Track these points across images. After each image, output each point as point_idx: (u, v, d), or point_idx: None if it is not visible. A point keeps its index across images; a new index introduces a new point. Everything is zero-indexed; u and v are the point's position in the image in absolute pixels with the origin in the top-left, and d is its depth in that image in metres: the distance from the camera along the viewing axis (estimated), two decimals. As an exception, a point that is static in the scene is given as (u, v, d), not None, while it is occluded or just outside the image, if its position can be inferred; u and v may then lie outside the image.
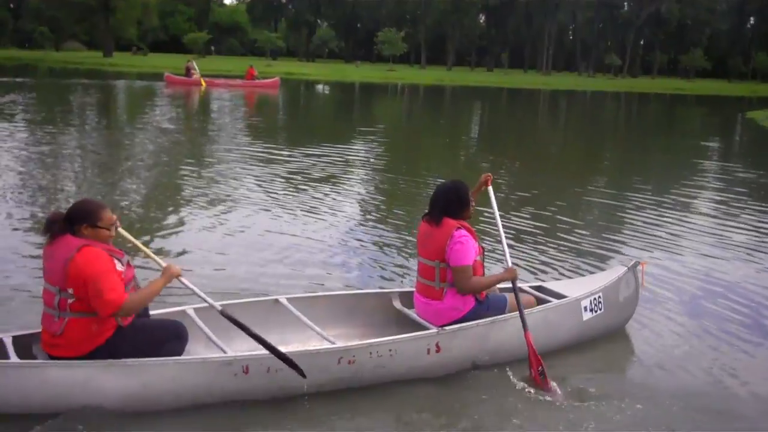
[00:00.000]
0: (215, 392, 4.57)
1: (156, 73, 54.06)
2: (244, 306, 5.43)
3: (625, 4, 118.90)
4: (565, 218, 11.01)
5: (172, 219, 10.00)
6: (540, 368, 5.13)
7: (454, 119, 33.22)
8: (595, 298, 5.93)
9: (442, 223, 5.37)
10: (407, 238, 9.30)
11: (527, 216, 11.00)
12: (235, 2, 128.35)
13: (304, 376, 4.58)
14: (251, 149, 17.60)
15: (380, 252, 8.68)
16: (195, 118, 27.16)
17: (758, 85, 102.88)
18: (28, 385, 4.26)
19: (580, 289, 6.02)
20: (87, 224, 4.49)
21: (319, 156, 16.60)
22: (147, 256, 4.93)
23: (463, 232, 5.35)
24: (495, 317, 5.38)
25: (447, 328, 5.23)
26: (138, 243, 4.86)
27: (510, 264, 5.69)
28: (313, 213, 10.60)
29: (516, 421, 4.74)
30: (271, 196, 11.70)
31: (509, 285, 5.57)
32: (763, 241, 10.07)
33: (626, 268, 6.33)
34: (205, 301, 4.78)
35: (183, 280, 4.72)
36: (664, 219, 11.30)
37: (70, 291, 4.35)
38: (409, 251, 8.55)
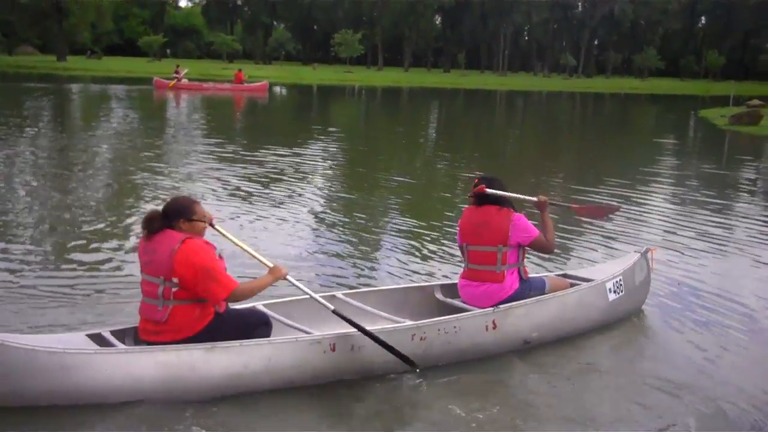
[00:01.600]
0: (306, 371, 4.88)
1: (109, 77, 53.62)
2: (303, 303, 5.63)
3: (579, 4, 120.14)
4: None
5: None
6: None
7: (411, 121, 33.25)
8: (616, 281, 6.43)
9: (495, 212, 5.86)
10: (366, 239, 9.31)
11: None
12: (190, 5, 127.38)
13: (416, 368, 5.02)
14: (215, 150, 17.49)
15: (340, 254, 8.68)
16: (154, 123, 26.90)
17: (710, 83, 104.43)
18: (138, 369, 4.54)
19: (602, 274, 6.54)
20: (183, 219, 4.87)
21: (273, 159, 16.55)
22: (251, 255, 5.18)
23: (518, 215, 5.89)
24: (540, 297, 5.89)
25: (501, 306, 5.68)
26: (239, 242, 5.15)
27: (534, 198, 6.16)
28: (272, 218, 10.57)
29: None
30: (222, 202, 11.64)
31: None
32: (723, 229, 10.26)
33: (639, 254, 6.86)
34: (317, 300, 5.17)
35: (290, 278, 5.08)
36: (631, 213, 11.40)
37: (175, 280, 4.68)
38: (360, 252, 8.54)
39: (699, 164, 20.23)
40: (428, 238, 9.48)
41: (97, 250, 8.35)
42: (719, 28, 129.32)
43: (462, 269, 6.17)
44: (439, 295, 6.35)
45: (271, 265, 5.07)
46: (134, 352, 4.64)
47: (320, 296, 5.40)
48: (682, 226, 10.96)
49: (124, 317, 5.70)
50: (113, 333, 4.95)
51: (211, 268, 4.70)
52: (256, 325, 5.01)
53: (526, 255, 6.17)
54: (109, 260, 7.92)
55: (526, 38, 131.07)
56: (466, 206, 6.18)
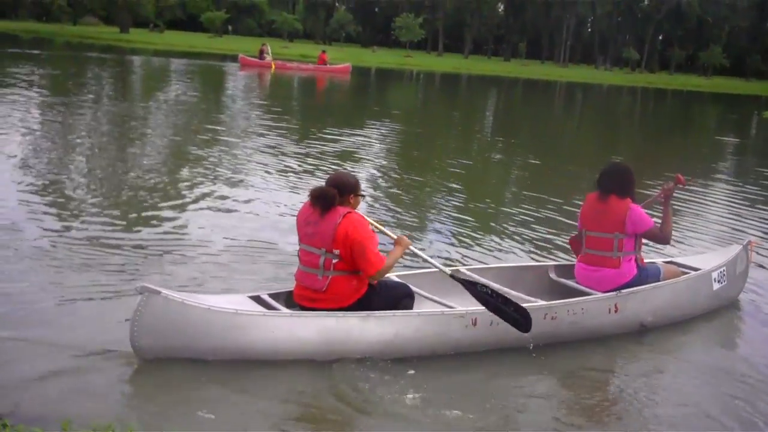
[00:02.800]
0: (449, 342, 5.36)
1: (170, 51, 54.16)
2: (423, 276, 6.12)
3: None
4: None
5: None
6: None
7: (468, 109, 33.15)
8: (721, 271, 6.85)
9: (615, 201, 6.28)
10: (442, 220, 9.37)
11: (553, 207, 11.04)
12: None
13: (526, 330, 5.30)
14: (283, 126, 17.62)
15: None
16: (233, 98, 27.16)
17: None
18: (301, 332, 5.02)
19: (708, 264, 6.95)
20: (354, 194, 5.31)
21: (331, 142, 16.61)
22: (378, 229, 5.53)
23: (635, 205, 6.30)
24: (656, 283, 6.31)
25: (624, 291, 6.09)
26: (369, 220, 5.45)
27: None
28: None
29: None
30: (269, 181, 11.74)
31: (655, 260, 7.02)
32: None
33: (741, 246, 7.33)
34: (436, 266, 5.63)
35: (413, 248, 5.54)
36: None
37: (336, 252, 5.08)
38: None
39: (761, 165, 19.87)
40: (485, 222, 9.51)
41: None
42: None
43: (581, 254, 6.54)
44: (553, 275, 6.81)
45: (395, 237, 5.55)
46: (298, 317, 5.08)
47: (442, 266, 5.93)
48: (748, 223, 11.16)
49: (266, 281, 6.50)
50: (270, 296, 5.41)
51: (367, 244, 5.10)
52: (402, 297, 5.43)
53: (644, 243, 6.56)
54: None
55: (589, 30, 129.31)
56: (590, 193, 6.56)
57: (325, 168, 12.82)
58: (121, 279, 6.36)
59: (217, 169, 12.09)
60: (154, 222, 8.58)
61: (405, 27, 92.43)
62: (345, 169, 12.92)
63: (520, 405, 4.95)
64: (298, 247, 5.38)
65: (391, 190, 11.95)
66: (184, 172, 11.69)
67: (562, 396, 5.21)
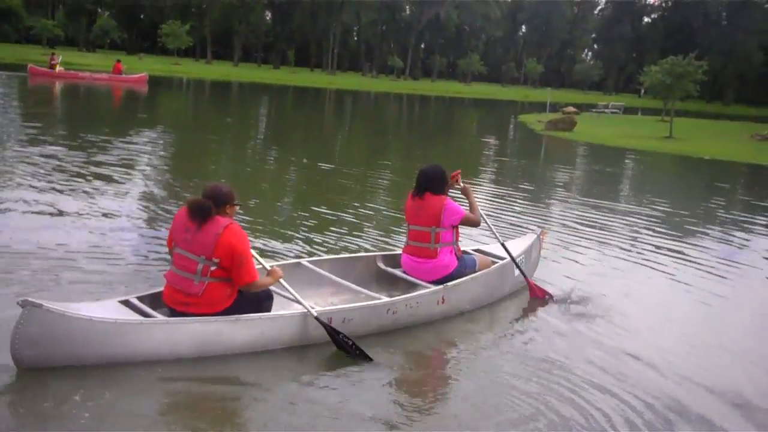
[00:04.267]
0: (307, 338, 5.86)
1: None
2: (295, 274, 6.68)
3: (407, 7, 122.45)
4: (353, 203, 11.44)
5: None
6: (547, 295, 7.49)
7: (241, 116, 33.11)
8: (521, 258, 7.73)
9: (431, 198, 6.98)
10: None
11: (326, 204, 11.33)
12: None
13: (370, 360, 5.74)
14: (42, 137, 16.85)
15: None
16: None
17: (529, 90, 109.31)
18: (176, 336, 5.31)
19: (512, 249, 7.74)
20: (230, 204, 5.56)
21: (100, 152, 16.16)
22: (256, 258, 5.87)
23: (450, 200, 7.00)
24: (474, 275, 7.08)
25: (449, 284, 6.80)
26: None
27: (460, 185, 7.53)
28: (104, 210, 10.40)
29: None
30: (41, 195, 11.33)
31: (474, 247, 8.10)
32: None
33: (535, 235, 8.36)
34: (305, 306, 5.87)
35: (283, 281, 5.93)
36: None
37: (215, 260, 5.35)
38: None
39: (519, 164, 21.30)
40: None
41: None
42: (538, 38, 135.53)
43: (404, 245, 7.30)
44: (381, 265, 7.49)
45: (269, 267, 5.92)
46: (174, 323, 5.38)
47: (286, 262, 7.00)
48: (528, 215, 11.86)
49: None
50: (139, 299, 5.67)
51: (248, 255, 5.47)
52: (264, 299, 5.81)
53: (460, 234, 7.31)
54: None
55: (356, 38, 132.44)
56: (411, 191, 7.20)
57: (116, 176, 12.50)
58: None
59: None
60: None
61: (172, 34, 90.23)
62: (120, 176, 12.65)
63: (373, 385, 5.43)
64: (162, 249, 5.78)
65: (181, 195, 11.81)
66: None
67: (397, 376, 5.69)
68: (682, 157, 27.19)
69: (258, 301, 5.75)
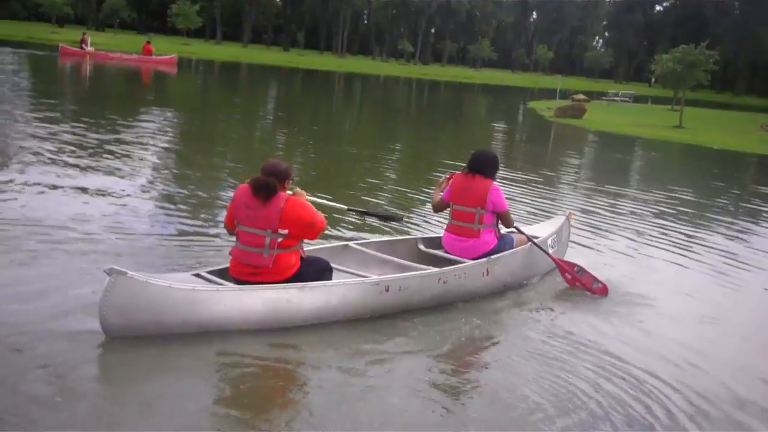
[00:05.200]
0: (368, 306, 6.11)
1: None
2: (320, 251, 6.86)
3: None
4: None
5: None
6: (576, 268, 7.53)
7: (249, 99, 33.14)
8: (553, 238, 8.06)
9: (480, 180, 7.21)
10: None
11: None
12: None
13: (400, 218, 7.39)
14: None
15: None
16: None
17: (539, 76, 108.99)
18: (249, 303, 5.59)
19: (542, 232, 8.07)
20: (288, 179, 5.88)
21: (111, 131, 16.23)
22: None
23: (497, 187, 7.26)
24: (513, 249, 7.36)
25: (493, 257, 7.08)
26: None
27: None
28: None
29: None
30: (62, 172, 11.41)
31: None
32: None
33: (564, 217, 8.67)
34: (335, 207, 6.80)
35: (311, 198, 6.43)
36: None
37: (282, 232, 5.68)
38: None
39: (530, 149, 21.32)
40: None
41: None
42: (549, 24, 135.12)
43: (447, 224, 7.50)
44: (421, 247, 7.70)
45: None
46: (246, 290, 5.64)
47: (333, 244, 7.32)
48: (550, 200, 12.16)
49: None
50: (209, 273, 5.95)
51: (312, 216, 5.81)
52: (324, 270, 6.08)
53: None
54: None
55: (366, 21, 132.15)
56: (458, 172, 7.46)
57: (144, 155, 12.58)
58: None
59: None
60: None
61: (182, 14, 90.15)
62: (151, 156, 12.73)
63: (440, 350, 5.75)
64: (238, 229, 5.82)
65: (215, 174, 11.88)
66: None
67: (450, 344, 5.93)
68: (691, 147, 27.15)
69: (319, 271, 6.03)
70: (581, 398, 5.04)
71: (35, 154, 11.97)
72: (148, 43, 49.22)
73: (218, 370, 5.09)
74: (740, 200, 15.12)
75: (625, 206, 12.79)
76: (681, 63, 33.95)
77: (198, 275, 5.89)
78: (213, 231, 8.38)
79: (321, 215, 5.91)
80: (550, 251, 7.80)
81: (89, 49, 44.35)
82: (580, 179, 16.25)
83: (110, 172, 11.23)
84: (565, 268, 7.58)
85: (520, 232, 7.64)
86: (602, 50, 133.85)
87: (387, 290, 6.17)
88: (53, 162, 11.50)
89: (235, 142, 17.47)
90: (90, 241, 7.44)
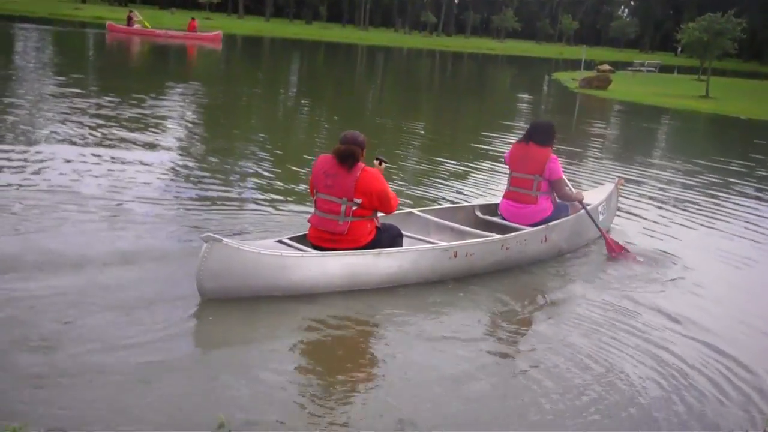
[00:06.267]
0: (436, 271, 6.47)
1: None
2: (386, 217, 6.91)
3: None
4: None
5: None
6: (623, 251, 7.67)
7: (273, 73, 33.08)
8: (603, 205, 8.34)
9: (537, 148, 7.50)
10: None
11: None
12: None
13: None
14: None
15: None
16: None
17: (563, 47, 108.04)
18: (331, 268, 5.95)
19: (592, 199, 8.33)
20: (364, 149, 6.10)
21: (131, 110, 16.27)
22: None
23: (555, 156, 7.55)
24: (568, 217, 7.65)
25: (550, 224, 7.40)
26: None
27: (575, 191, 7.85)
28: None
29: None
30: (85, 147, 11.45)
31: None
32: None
33: (613, 184, 8.95)
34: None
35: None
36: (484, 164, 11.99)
37: (357, 201, 5.98)
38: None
39: (556, 120, 21.14)
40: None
41: None
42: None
43: (505, 191, 7.84)
44: (479, 213, 8.12)
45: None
46: (329, 256, 5.99)
47: (399, 212, 7.38)
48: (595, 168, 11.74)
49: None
50: (291, 239, 6.35)
51: (385, 190, 6.08)
52: (396, 236, 6.43)
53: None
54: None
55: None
56: (516, 140, 7.83)
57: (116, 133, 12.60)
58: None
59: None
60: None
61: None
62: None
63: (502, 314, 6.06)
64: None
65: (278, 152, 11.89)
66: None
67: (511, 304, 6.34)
68: (718, 117, 26.83)
69: (392, 237, 6.39)
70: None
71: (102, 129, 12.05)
72: (194, 19, 50.24)
73: (304, 328, 5.38)
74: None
75: (665, 176, 12.89)
76: (707, 32, 33.52)
77: (280, 241, 6.32)
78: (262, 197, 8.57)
79: (395, 196, 6.22)
80: (600, 218, 8.11)
81: (136, 26, 45.37)
82: (605, 150, 16.13)
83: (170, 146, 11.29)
84: (610, 241, 7.76)
85: (580, 203, 7.85)
86: (628, 20, 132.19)
87: (455, 255, 6.51)
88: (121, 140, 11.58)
89: (266, 117, 17.45)
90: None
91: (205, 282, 5.53)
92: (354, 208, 6.00)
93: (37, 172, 9.14)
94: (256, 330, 5.32)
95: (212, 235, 5.49)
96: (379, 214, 6.37)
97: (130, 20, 45.89)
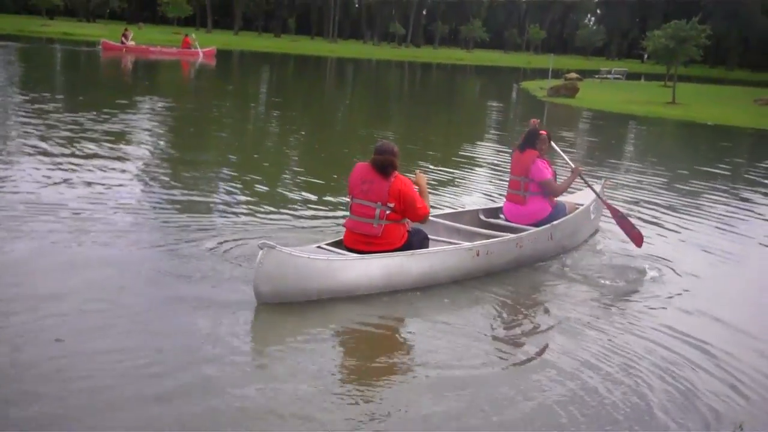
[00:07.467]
0: (462, 269, 6.93)
1: None
2: (432, 223, 7.49)
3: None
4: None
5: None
6: (620, 213, 8.32)
7: (242, 86, 33.03)
8: (594, 204, 8.81)
9: (527, 151, 8.11)
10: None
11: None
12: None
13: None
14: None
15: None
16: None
17: (531, 56, 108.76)
18: (371, 270, 6.35)
19: (584, 199, 9.00)
20: (397, 158, 6.49)
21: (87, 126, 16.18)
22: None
23: (540, 157, 8.07)
24: (569, 216, 8.17)
25: (555, 222, 7.91)
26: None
27: (573, 165, 8.53)
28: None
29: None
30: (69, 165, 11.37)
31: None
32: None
33: (601, 184, 9.38)
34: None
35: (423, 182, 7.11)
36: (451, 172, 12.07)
37: (390, 205, 6.39)
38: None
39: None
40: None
41: None
42: (540, 2, 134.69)
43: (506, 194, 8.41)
44: (482, 217, 8.58)
45: (573, 166, 8.19)
46: (368, 258, 6.37)
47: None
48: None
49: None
50: (329, 245, 6.71)
51: (414, 196, 6.49)
52: (424, 238, 6.80)
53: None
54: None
55: (357, 5, 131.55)
56: (516, 148, 8.35)
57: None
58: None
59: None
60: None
61: (172, 3, 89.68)
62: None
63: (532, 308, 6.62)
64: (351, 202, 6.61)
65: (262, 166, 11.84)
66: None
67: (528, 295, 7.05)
68: (685, 123, 27.13)
69: (421, 240, 6.77)
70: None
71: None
72: (187, 36, 50.47)
73: (349, 330, 5.77)
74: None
75: (638, 180, 13.21)
76: (673, 39, 33.89)
77: (320, 247, 6.67)
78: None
79: (426, 207, 6.62)
80: (592, 216, 8.78)
81: (130, 43, 45.76)
82: (576, 158, 16.25)
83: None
84: (614, 211, 8.36)
85: (579, 173, 8.43)
86: (594, 28, 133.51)
87: (478, 255, 6.97)
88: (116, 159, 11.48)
89: (244, 131, 17.45)
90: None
91: (261, 286, 5.87)
92: (387, 212, 6.41)
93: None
94: (308, 332, 5.62)
95: (267, 242, 5.83)
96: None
97: (124, 37, 46.32)
